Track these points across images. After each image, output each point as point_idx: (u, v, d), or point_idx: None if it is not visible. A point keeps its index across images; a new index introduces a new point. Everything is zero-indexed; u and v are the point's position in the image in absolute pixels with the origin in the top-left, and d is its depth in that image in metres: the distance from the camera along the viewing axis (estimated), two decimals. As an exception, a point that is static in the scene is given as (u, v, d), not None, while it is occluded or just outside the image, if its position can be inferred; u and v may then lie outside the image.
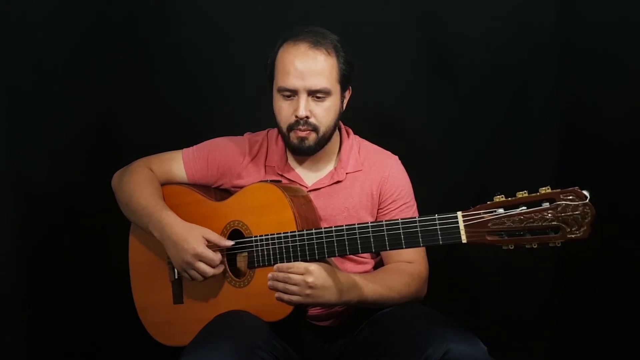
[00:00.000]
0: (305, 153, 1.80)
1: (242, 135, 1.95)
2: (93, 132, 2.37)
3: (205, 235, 1.70)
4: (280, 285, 1.58)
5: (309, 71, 1.71)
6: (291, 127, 1.75)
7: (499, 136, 2.32)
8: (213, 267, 1.68)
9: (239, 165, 1.88)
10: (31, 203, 2.28)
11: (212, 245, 1.70)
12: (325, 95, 1.73)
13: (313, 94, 1.73)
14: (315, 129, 1.75)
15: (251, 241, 1.71)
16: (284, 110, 1.76)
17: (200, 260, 1.68)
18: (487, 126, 2.33)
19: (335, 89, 1.75)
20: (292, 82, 1.72)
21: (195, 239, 1.69)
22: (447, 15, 2.30)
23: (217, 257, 1.68)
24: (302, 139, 1.75)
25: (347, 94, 1.83)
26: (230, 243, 1.71)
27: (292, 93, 1.73)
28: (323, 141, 1.78)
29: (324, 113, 1.74)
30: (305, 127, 1.74)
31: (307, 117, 1.73)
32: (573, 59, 2.26)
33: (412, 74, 2.35)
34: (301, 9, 2.28)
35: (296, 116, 1.73)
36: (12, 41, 2.22)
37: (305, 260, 1.62)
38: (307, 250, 1.63)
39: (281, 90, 1.74)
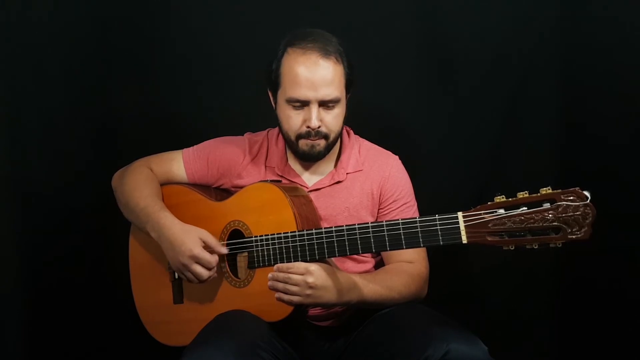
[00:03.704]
0: (316, 159, 1.79)
1: (242, 135, 1.94)
2: (93, 132, 2.37)
3: (202, 237, 1.70)
4: (281, 285, 1.58)
5: (321, 82, 1.70)
6: (301, 136, 1.75)
7: (499, 136, 2.32)
8: (209, 269, 1.68)
9: (239, 165, 1.87)
10: (31, 203, 2.28)
11: (208, 249, 1.69)
12: (335, 103, 1.73)
13: (324, 103, 1.72)
14: (325, 136, 1.75)
15: (251, 241, 1.70)
16: (293, 120, 1.74)
17: (197, 263, 1.67)
18: (487, 126, 2.33)
19: (343, 95, 1.76)
20: (305, 93, 1.70)
21: (192, 241, 1.68)
22: (447, 15, 2.30)
23: (213, 259, 1.68)
24: (313, 145, 1.75)
25: (348, 96, 1.83)
26: (226, 251, 1.70)
27: (303, 103, 1.73)
28: (332, 146, 1.79)
29: (333, 120, 1.74)
30: (316, 137, 1.74)
31: (319, 127, 1.73)
32: (574, 59, 2.26)
33: (412, 74, 2.35)
34: (301, 10, 2.28)
35: (308, 127, 1.72)
36: (12, 41, 2.22)
37: (305, 261, 1.61)
38: (307, 251, 1.63)
39: (291, 101, 1.73)
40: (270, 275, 1.60)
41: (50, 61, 2.30)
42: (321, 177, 1.85)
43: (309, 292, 1.57)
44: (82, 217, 2.33)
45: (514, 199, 1.43)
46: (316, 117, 1.71)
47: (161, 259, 1.83)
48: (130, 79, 2.38)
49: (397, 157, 1.90)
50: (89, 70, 2.34)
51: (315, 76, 1.70)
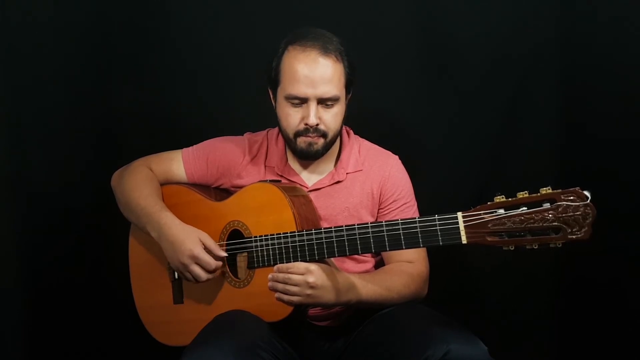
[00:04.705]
0: (314, 157, 1.79)
1: (242, 135, 1.94)
2: (93, 132, 2.37)
3: (202, 239, 1.70)
4: (280, 285, 1.58)
5: (320, 79, 1.70)
6: (299, 134, 1.75)
7: (499, 136, 2.32)
8: (208, 270, 1.68)
9: (238, 165, 1.87)
10: (31, 203, 2.28)
11: (207, 251, 1.69)
12: (334, 102, 1.73)
13: (323, 101, 1.72)
14: (324, 135, 1.75)
15: (251, 241, 1.70)
16: (292, 117, 1.75)
17: (196, 263, 1.67)
18: (487, 126, 2.33)
19: (342, 94, 1.76)
20: (304, 90, 1.71)
21: (192, 241, 1.68)
22: (447, 15, 2.30)
23: (213, 261, 1.67)
24: (311, 144, 1.75)
25: (348, 96, 1.83)
26: (224, 255, 1.70)
27: (302, 100, 1.73)
28: (330, 145, 1.78)
29: (332, 119, 1.74)
30: (314, 134, 1.74)
31: (317, 125, 1.73)
32: (574, 59, 2.26)
33: (412, 74, 2.35)
34: (302, 10, 2.28)
35: (306, 124, 1.72)
36: (12, 42, 2.23)
37: (305, 261, 1.61)
38: (306, 251, 1.63)
39: (290, 98, 1.73)
40: (270, 275, 1.60)
41: (50, 61, 2.30)
42: (321, 176, 1.85)
43: (309, 292, 1.57)
44: (82, 217, 2.34)
45: (514, 199, 1.43)
46: (314, 115, 1.72)
47: (161, 259, 1.83)
48: (130, 79, 2.38)
49: (397, 157, 1.90)
50: (89, 70, 2.34)
51: (314, 73, 1.70)
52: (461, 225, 1.47)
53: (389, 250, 1.61)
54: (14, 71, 2.24)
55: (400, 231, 1.53)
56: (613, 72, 2.17)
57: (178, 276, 1.80)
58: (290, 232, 1.65)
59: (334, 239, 1.60)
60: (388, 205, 1.83)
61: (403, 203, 1.84)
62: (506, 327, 2.35)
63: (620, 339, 2.19)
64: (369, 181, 1.83)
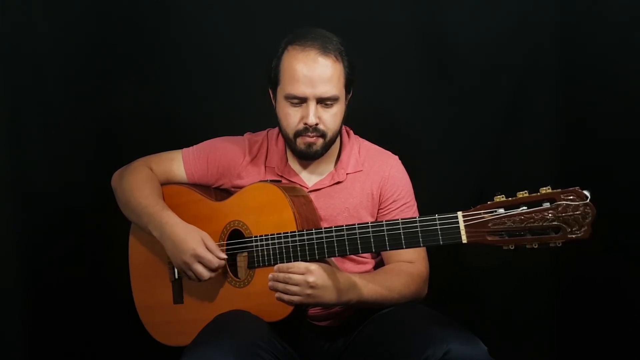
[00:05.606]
0: (313, 158, 1.79)
1: (242, 135, 1.94)
2: (93, 133, 2.37)
3: (204, 238, 1.70)
4: (281, 285, 1.58)
5: (319, 79, 1.70)
6: (298, 134, 1.75)
7: (499, 136, 2.32)
8: (211, 269, 1.68)
9: (238, 165, 1.87)
10: (31, 203, 2.28)
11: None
12: (333, 101, 1.73)
13: (322, 101, 1.72)
14: (323, 135, 1.75)
15: (251, 241, 1.70)
16: (291, 117, 1.75)
17: (199, 262, 1.68)
18: (487, 126, 2.33)
19: (342, 94, 1.76)
20: (303, 89, 1.71)
21: (194, 240, 1.69)
22: (447, 15, 2.30)
23: (215, 259, 1.68)
24: (310, 145, 1.75)
25: (349, 96, 1.83)
26: (224, 257, 1.70)
27: (301, 100, 1.73)
28: (329, 145, 1.78)
29: (331, 119, 1.74)
30: (314, 134, 1.74)
31: (316, 124, 1.73)
32: (574, 58, 2.26)
33: (412, 74, 2.35)
34: (302, 10, 2.28)
35: (305, 123, 1.72)
36: (12, 42, 2.23)
37: (305, 260, 1.61)
38: (307, 250, 1.63)
39: (290, 97, 1.73)
40: (270, 275, 1.60)
41: (51, 61, 2.30)
42: (321, 177, 1.85)
43: (309, 291, 1.57)
44: (82, 217, 2.33)
45: (514, 198, 1.43)
46: (314, 114, 1.72)
47: (161, 259, 1.83)
48: (130, 79, 2.38)
49: (397, 157, 1.90)
50: (89, 71, 2.34)
51: (313, 73, 1.70)
52: (461, 225, 1.47)
53: (390, 249, 1.61)
54: (14, 71, 2.24)
55: (401, 231, 1.53)
56: (613, 72, 2.17)
57: (178, 276, 1.80)
58: (291, 232, 1.65)
59: (334, 239, 1.60)
60: (388, 205, 1.83)
61: (403, 203, 1.84)
62: (506, 327, 2.35)
63: (620, 339, 2.19)
64: (369, 181, 1.83)
